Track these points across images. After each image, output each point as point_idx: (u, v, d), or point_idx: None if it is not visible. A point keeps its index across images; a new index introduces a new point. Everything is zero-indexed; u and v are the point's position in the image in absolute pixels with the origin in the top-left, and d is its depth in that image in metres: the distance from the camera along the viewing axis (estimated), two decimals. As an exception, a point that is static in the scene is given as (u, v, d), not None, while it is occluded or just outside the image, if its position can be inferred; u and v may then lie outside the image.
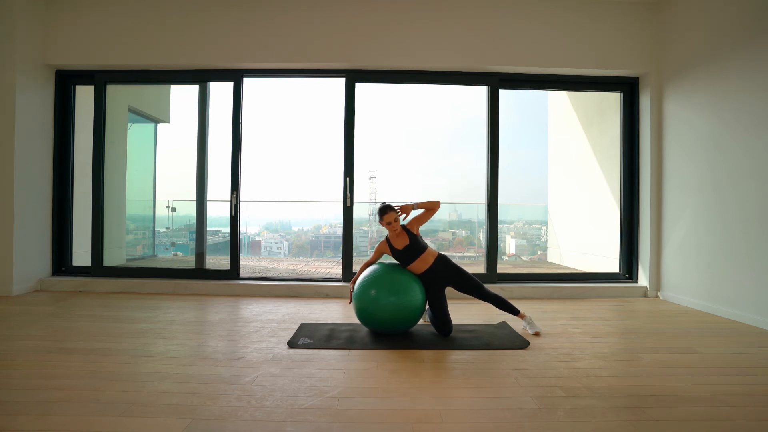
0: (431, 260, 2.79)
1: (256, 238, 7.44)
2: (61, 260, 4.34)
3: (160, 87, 5.43)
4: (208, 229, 4.47)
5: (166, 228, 5.65)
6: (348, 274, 4.23)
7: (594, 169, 5.37)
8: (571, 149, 6.20)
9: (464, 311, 3.47)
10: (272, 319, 3.17)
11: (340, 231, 4.38)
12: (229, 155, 4.25)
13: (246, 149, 4.31)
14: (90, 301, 3.70)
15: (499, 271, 4.32)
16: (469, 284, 2.81)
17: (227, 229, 4.29)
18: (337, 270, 5.46)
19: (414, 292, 2.67)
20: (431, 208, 2.87)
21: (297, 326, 2.96)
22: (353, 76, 4.23)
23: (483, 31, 4.11)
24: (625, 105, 4.42)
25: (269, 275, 4.84)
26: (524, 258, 7.21)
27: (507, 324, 3.04)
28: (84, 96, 4.46)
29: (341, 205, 4.25)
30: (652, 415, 1.71)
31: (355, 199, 4.26)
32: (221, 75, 4.28)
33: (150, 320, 3.09)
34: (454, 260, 2.88)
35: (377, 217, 2.83)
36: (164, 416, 1.65)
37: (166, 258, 5.65)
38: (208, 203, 4.40)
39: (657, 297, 4.14)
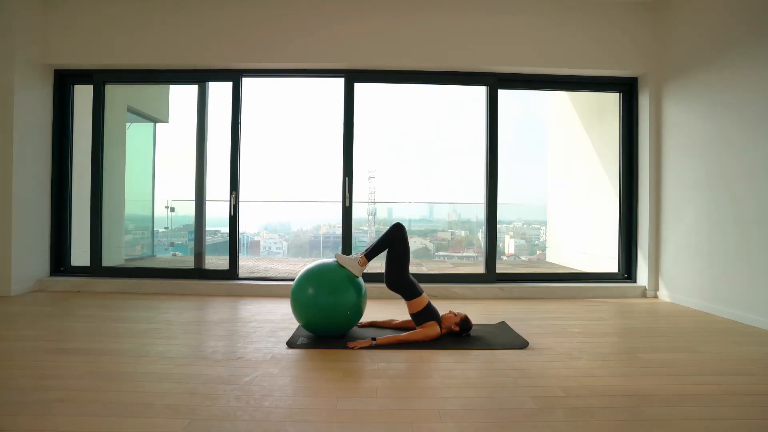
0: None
1: (255, 238, 7.43)
2: (59, 260, 4.33)
3: (159, 87, 5.43)
4: (207, 229, 4.46)
5: (165, 228, 5.65)
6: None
7: (593, 169, 5.38)
8: (571, 149, 6.21)
9: (464, 311, 3.46)
10: (271, 319, 3.17)
11: (339, 231, 4.38)
12: (228, 155, 4.25)
13: (245, 149, 4.31)
14: (89, 301, 3.69)
15: (498, 271, 4.32)
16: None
17: (226, 229, 4.29)
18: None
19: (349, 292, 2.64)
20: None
21: (296, 326, 2.96)
22: (352, 76, 4.23)
23: (482, 31, 4.11)
24: (623, 105, 4.42)
25: (268, 275, 4.83)
26: (523, 258, 7.22)
27: (506, 324, 3.04)
28: (83, 96, 4.45)
29: (340, 205, 4.25)
30: (651, 415, 1.71)
31: (354, 199, 4.26)
32: (220, 75, 4.28)
33: (149, 320, 3.08)
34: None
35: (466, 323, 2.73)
36: (163, 416, 1.65)
37: (165, 258, 5.65)
38: (207, 203, 4.39)
39: (656, 297, 4.14)
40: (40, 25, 4.06)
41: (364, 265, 2.71)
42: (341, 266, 2.69)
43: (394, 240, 2.74)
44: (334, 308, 2.60)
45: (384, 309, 3.46)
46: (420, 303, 2.72)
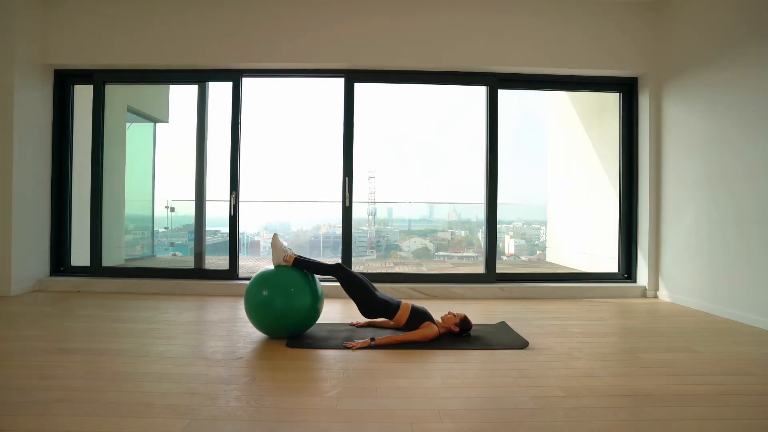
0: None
1: (255, 238, 7.43)
2: (59, 260, 4.33)
3: (159, 87, 5.43)
4: (207, 229, 4.46)
5: (165, 228, 5.65)
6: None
7: (593, 169, 5.38)
8: (571, 149, 6.21)
9: (464, 312, 3.46)
10: (271, 319, 3.17)
11: (339, 231, 4.38)
12: (228, 155, 4.25)
13: (245, 149, 4.31)
14: (89, 301, 3.69)
15: (498, 271, 4.32)
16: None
17: (226, 229, 4.29)
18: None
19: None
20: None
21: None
22: (352, 76, 4.23)
23: (482, 31, 4.11)
24: (623, 105, 4.42)
25: (268, 275, 4.82)
26: (523, 258, 7.21)
27: (506, 324, 3.04)
28: (83, 96, 4.45)
29: (340, 205, 4.25)
30: (650, 415, 1.71)
31: (354, 199, 4.26)
32: (220, 75, 4.28)
33: (149, 320, 3.08)
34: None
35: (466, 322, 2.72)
36: (163, 416, 1.65)
37: (165, 258, 5.64)
38: (207, 203, 4.39)
39: (656, 297, 4.14)
40: (40, 25, 4.06)
41: (287, 262, 2.69)
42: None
43: (339, 280, 2.74)
44: (285, 305, 2.58)
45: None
46: (404, 313, 2.72)
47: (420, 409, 1.75)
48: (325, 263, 2.76)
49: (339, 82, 4.27)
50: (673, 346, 2.63)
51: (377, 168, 6.22)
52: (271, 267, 2.72)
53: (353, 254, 4.29)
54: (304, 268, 2.69)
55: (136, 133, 5.31)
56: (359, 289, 2.73)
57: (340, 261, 2.78)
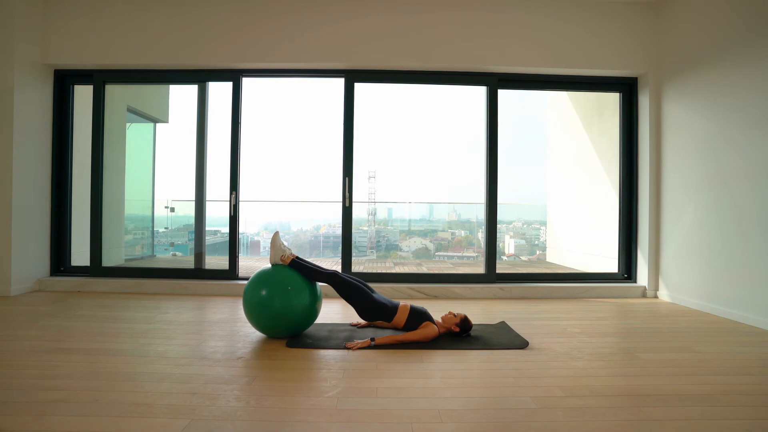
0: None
1: (255, 238, 7.43)
2: (59, 260, 4.33)
3: (159, 87, 5.42)
4: (207, 229, 4.47)
5: (165, 228, 5.65)
6: (347, 274, 4.23)
7: (593, 169, 5.38)
8: (570, 149, 6.21)
9: (463, 312, 3.46)
10: (271, 319, 3.16)
11: (339, 231, 4.38)
12: (228, 155, 4.25)
13: (245, 149, 4.31)
14: (88, 301, 3.69)
15: (498, 271, 4.32)
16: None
17: (226, 229, 4.29)
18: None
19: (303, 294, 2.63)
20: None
21: (296, 326, 2.95)
22: (352, 76, 4.23)
23: (482, 31, 4.11)
24: (623, 105, 4.42)
25: (268, 275, 4.81)
26: (523, 258, 7.21)
27: (506, 324, 3.04)
28: (83, 96, 4.45)
29: (340, 205, 4.25)
30: (650, 415, 1.71)
31: (354, 199, 4.26)
32: (220, 75, 4.28)
33: (149, 320, 3.08)
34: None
35: (465, 321, 2.71)
36: (163, 416, 1.65)
37: (164, 258, 5.64)
38: (207, 203, 4.39)
39: (656, 297, 4.15)
40: (40, 25, 4.06)
41: (284, 261, 2.69)
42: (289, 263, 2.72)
43: (335, 288, 2.71)
44: (283, 305, 2.58)
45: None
46: (402, 314, 2.72)
47: (420, 409, 1.75)
48: (322, 270, 2.73)
49: (339, 82, 4.27)
50: (673, 346, 2.63)
51: (377, 168, 6.22)
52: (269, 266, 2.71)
53: (353, 254, 4.29)
54: (299, 271, 2.67)
55: (136, 133, 5.31)
56: (356, 294, 2.72)
57: (336, 269, 2.75)
